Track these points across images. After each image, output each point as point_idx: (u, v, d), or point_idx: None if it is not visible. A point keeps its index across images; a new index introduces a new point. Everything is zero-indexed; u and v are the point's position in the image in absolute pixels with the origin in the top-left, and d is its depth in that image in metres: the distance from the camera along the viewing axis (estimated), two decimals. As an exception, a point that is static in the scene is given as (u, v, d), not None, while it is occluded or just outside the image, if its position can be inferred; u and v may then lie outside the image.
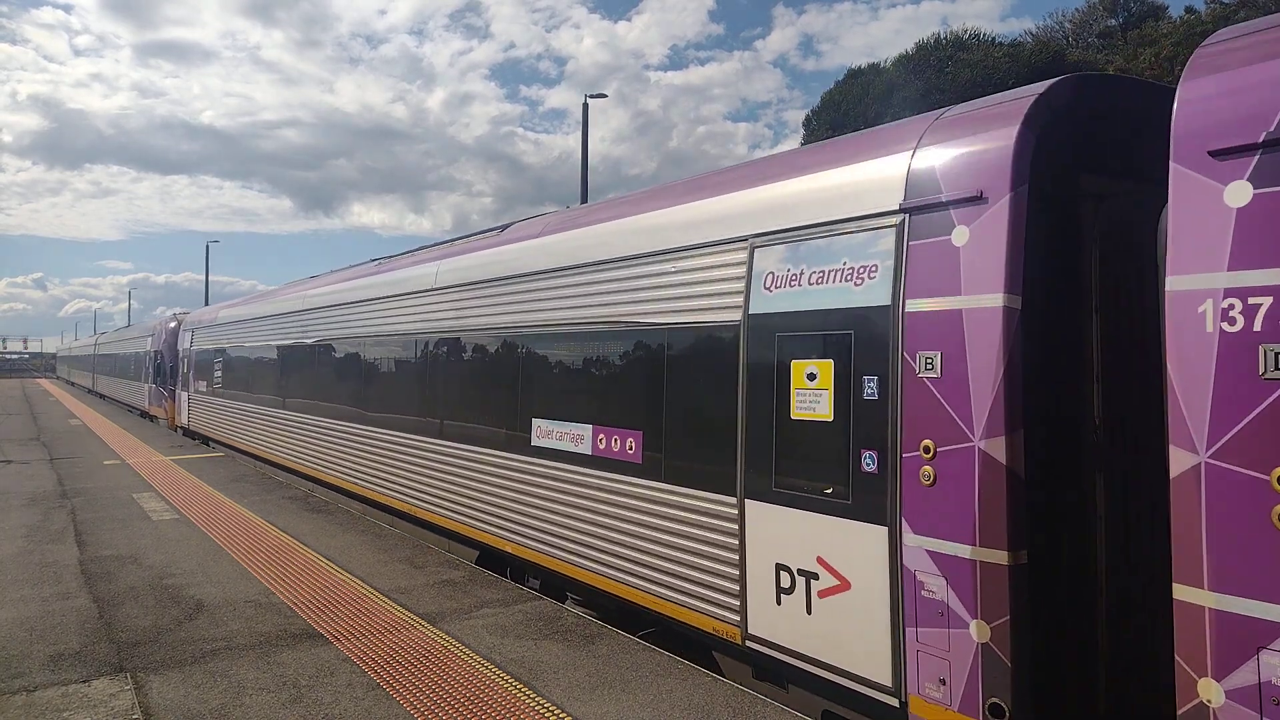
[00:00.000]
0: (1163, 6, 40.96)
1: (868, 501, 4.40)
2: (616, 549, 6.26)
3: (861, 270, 4.55)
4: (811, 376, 4.76)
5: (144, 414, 29.09)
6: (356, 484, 11.11)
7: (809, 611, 4.70)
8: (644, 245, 6.24)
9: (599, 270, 6.69)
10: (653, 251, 6.13)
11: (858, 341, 4.50)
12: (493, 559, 8.21)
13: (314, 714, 4.75)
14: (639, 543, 6.04)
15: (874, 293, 4.45)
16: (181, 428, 22.99)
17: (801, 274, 4.89)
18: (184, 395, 22.57)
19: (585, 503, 6.62)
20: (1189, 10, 37.45)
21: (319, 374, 12.92)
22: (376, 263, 12.32)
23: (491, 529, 7.91)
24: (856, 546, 4.44)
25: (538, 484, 7.21)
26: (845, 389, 4.55)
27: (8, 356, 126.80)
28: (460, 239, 10.02)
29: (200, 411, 20.67)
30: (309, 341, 13.38)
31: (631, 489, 6.12)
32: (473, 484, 8.27)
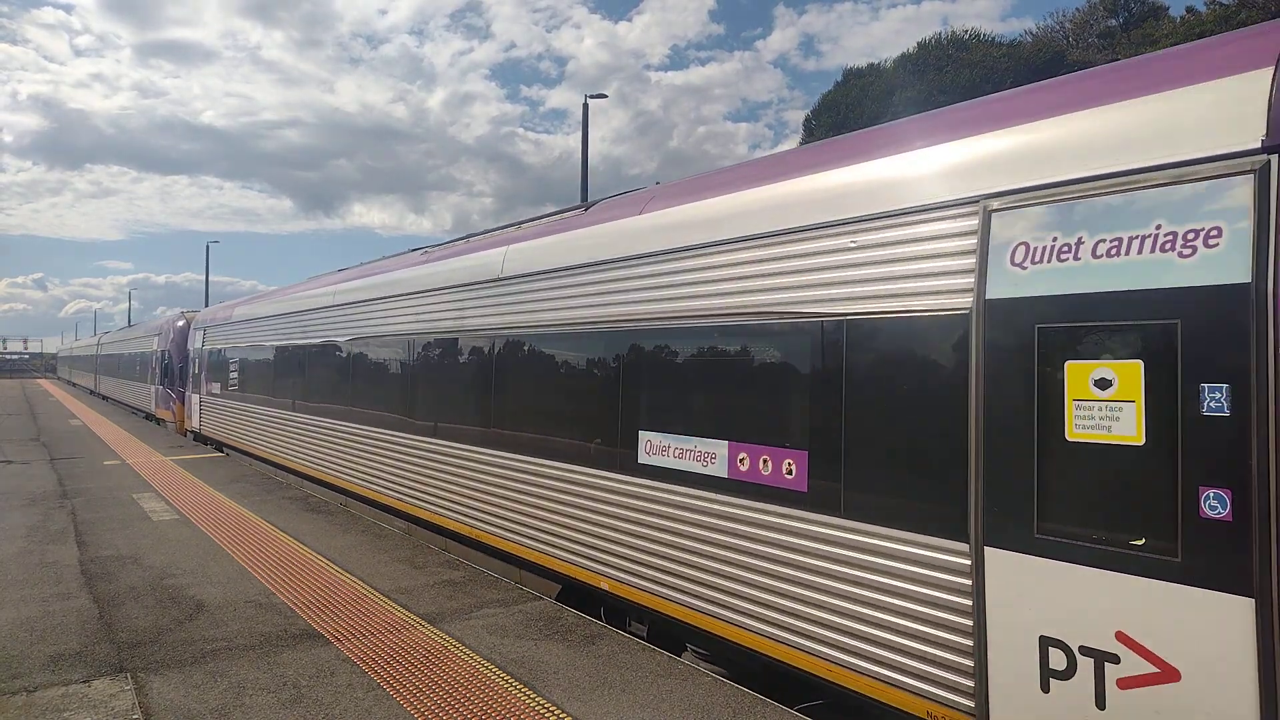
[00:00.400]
0: (1163, 7, 41.00)
1: (1213, 560, 3.25)
2: (765, 596, 5.06)
3: (1191, 236, 3.41)
4: (1103, 384, 3.60)
5: (150, 417, 27.95)
6: (402, 500, 9.88)
7: (1100, 705, 3.54)
8: (802, 217, 5.03)
9: (734, 250, 5.45)
10: (819, 224, 4.91)
11: (1188, 334, 3.37)
12: (581, 596, 6.93)
13: (314, 714, 4.75)
14: (802, 591, 4.84)
15: (1217, 267, 3.31)
16: (192, 432, 21.68)
17: (1078, 244, 3.71)
18: (195, 398, 21.23)
19: (718, 536, 5.40)
20: (1189, 10, 37.49)
21: (359, 377, 11.55)
22: (423, 251, 10.98)
23: (580, 560, 6.71)
24: (1192, 622, 3.29)
25: (646, 510, 6.01)
26: (1167, 401, 3.40)
27: (8, 357, 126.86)
28: (529, 221, 8.75)
29: (215, 416, 19.23)
30: (342, 340, 12.03)
31: (791, 523, 4.91)
32: (552, 506, 7.08)
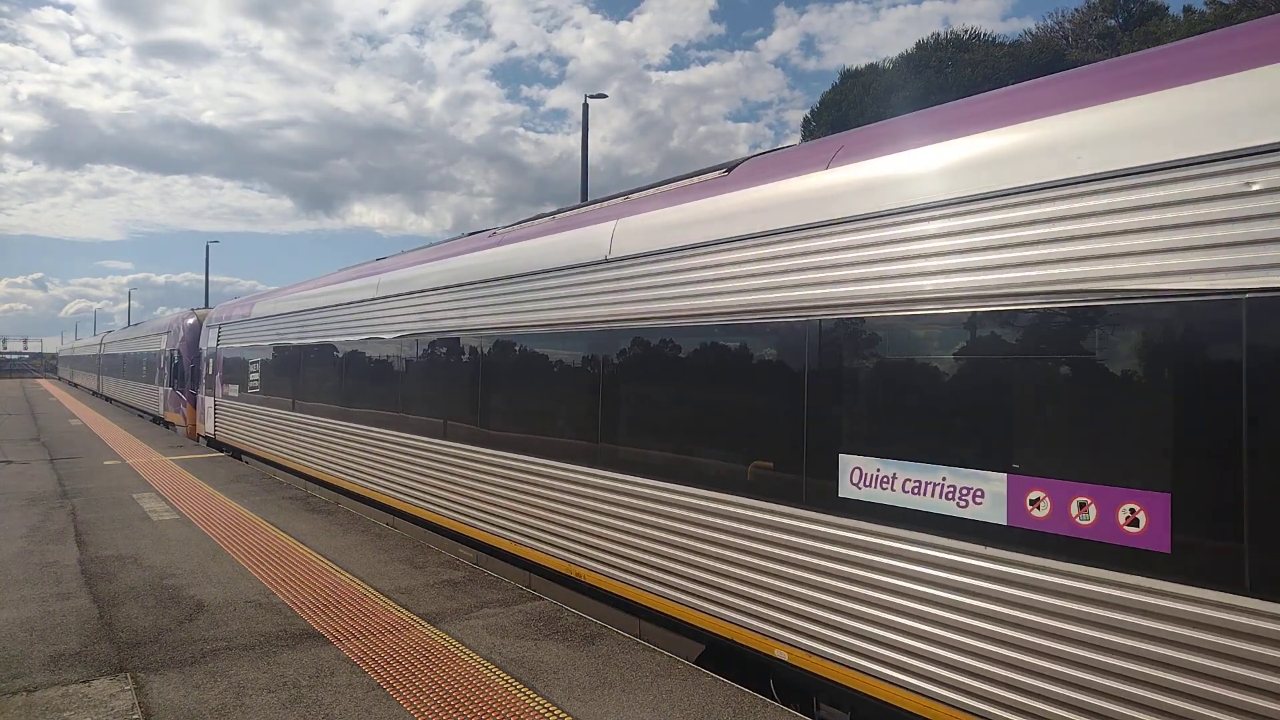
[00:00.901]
0: (1163, 6, 41.02)
1: None
2: (1084, 698, 3.59)
3: None
4: None
5: (157, 420, 26.58)
6: (471, 526, 8.42)
7: None
8: (1139, 154, 3.57)
9: (1017, 205, 3.95)
10: (1178, 162, 3.44)
11: None
12: (738, 660, 5.49)
13: (314, 714, 4.75)
14: (1161, 698, 3.38)
15: None
16: (205, 437, 20.13)
17: None
18: (209, 401, 19.64)
19: (989, 606, 3.93)
20: (1188, 10, 37.51)
21: (409, 381, 10.14)
22: (490, 232, 9.47)
23: (736, 617, 5.31)
24: None
25: (854, 560, 4.58)
26: None
27: (8, 357, 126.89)
28: (640, 191, 7.23)
29: (232, 420, 17.64)
30: (390, 337, 10.55)
31: (1137, 597, 3.47)
32: (693, 544, 5.67)
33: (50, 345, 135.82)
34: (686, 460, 5.87)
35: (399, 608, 6.78)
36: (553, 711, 4.79)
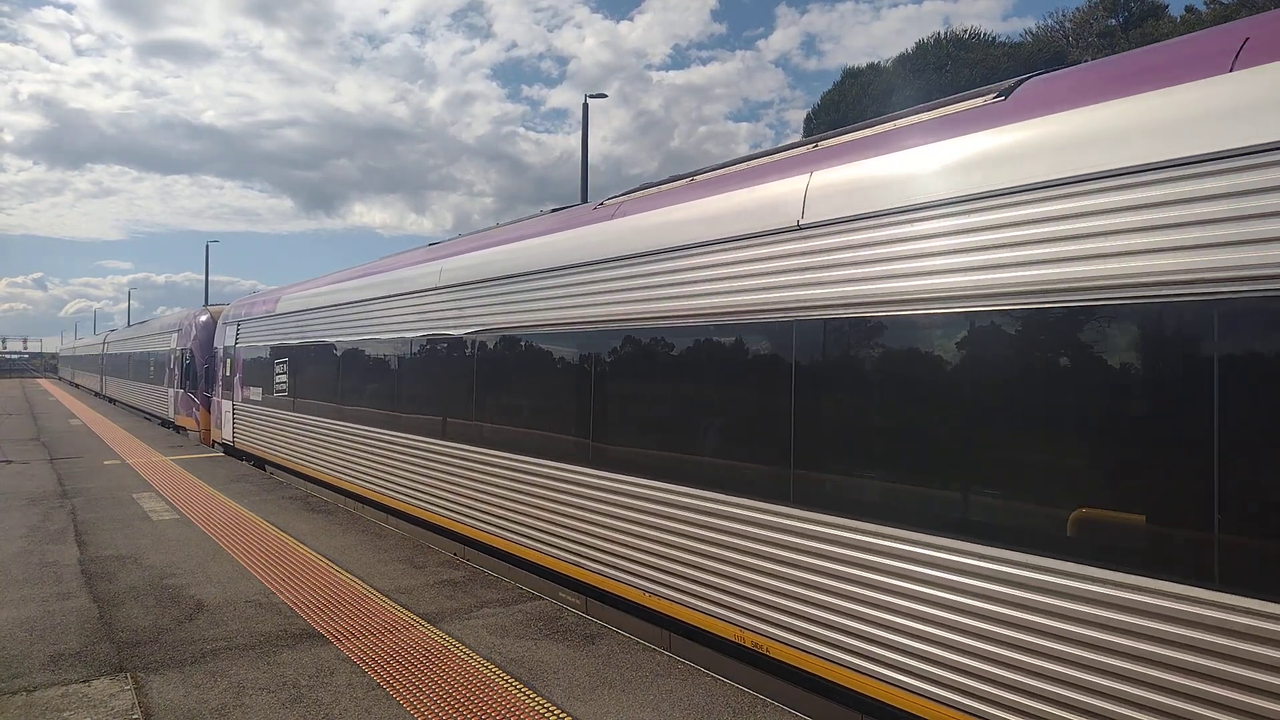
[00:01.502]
0: (1163, 6, 41.04)
1: None
2: None
3: None
4: None
5: (166, 423, 24.98)
6: (584, 568, 6.75)
7: None
8: None
9: None
10: None
11: None
12: None
13: (314, 714, 4.75)
14: None
15: None
16: (221, 444, 18.54)
17: None
18: (227, 405, 18.00)
19: None
20: (1189, 10, 37.53)
21: (487, 385, 8.41)
22: (597, 206, 7.71)
23: None
24: None
25: None
26: None
27: (8, 356, 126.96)
28: (834, 136, 5.67)
29: (255, 427, 15.97)
30: (462, 334, 8.82)
31: None
32: (960, 620, 3.99)
33: (50, 345, 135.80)
34: (940, 500, 4.22)
35: (399, 607, 6.78)
36: (552, 711, 4.79)
